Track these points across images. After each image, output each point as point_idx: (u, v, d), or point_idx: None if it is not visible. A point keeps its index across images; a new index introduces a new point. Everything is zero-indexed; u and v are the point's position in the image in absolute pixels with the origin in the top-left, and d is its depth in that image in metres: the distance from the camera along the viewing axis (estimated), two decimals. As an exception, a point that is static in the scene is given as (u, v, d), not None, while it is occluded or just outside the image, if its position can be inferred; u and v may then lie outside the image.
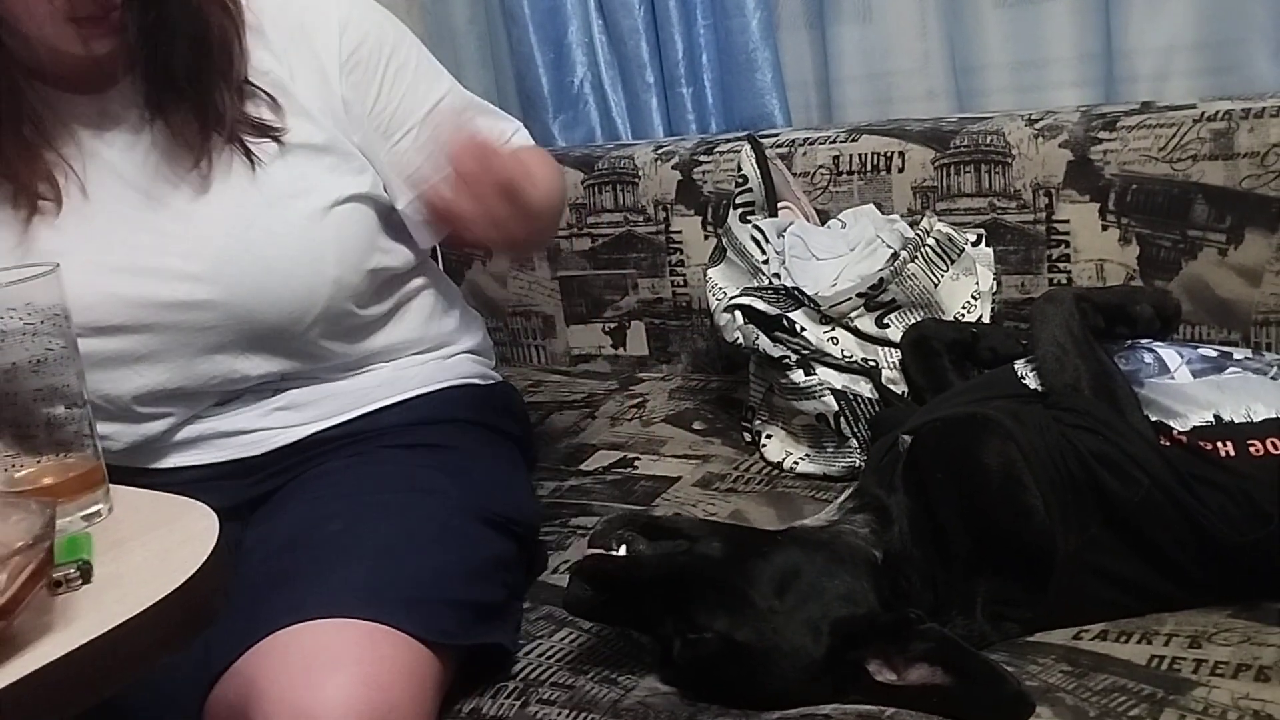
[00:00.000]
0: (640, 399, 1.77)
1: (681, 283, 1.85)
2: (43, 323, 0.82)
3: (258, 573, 1.04)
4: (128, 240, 1.11)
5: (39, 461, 0.85)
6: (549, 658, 1.12)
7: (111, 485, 0.89)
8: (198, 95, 1.10)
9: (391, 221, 1.24)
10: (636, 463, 1.54)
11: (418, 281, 1.30)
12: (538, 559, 1.30)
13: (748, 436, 1.56)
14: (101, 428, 0.97)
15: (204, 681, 0.97)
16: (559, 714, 1.04)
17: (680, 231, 1.84)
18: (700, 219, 1.82)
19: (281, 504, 1.15)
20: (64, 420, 0.85)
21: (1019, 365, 1.21)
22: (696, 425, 1.65)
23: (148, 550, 0.81)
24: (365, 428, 1.21)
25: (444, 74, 1.29)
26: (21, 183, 1.09)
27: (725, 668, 1.00)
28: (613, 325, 1.94)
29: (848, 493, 1.18)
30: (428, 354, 1.30)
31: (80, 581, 0.75)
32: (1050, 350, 1.16)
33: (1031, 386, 1.17)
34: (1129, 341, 1.20)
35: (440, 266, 1.92)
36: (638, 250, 1.88)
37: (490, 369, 1.40)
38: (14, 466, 0.84)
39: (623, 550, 1.03)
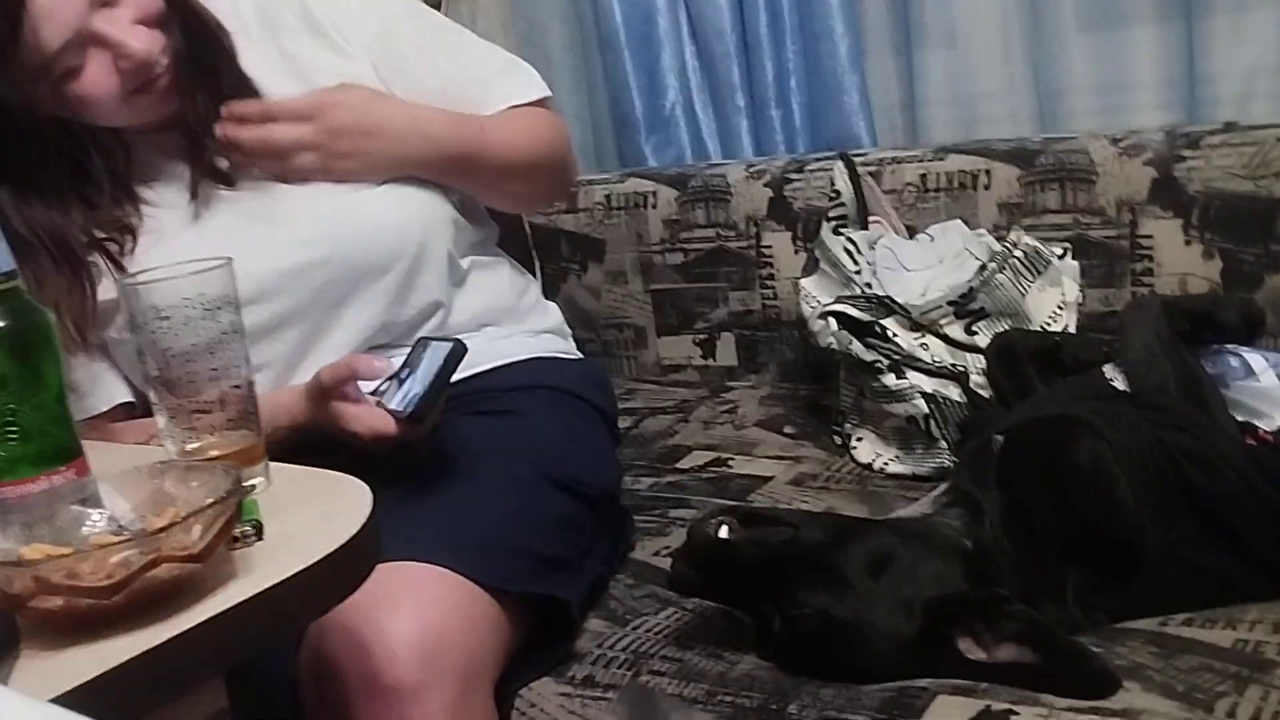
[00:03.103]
0: (731, 405, 1.84)
1: (771, 295, 1.92)
2: (218, 309, 0.91)
3: None
4: (244, 231, 1.25)
5: (209, 436, 0.93)
6: (656, 633, 1.19)
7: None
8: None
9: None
10: (730, 462, 1.61)
11: (500, 260, 1.47)
12: (625, 529, 1.39)
13: (838, 439, 1.62)
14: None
15: None
16: (669, 683, 1.11)
17: (770, 246, 1.91)
18: (790, 234, 1.89)
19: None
20: (233, 399, 0.93)
21: (1107, 369, 1.26)
22: (787, 429, 1.72)
23: (310, 515, 0.89)
24: (465, 392, 1.29)
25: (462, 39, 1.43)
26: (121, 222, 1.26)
27: (823, 643, 1.06)
28: (703, 337, 2.01)
29: (941, 488, 1.24)
30: (513, 328, 1.42)
31: (255, 538, 0.83)
32: (1139, 354, 1.21)
33: (1120, 388, 1.23)
34: (1215, 346, 1.24)
35: (539, 277, 2.02)
36: (729, 264, 1.95)
37: (572, 347, 1.51)
38: (187, 440, 0.93)
39: (724, 533, 1.10)
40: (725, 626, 1.19)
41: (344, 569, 0.82)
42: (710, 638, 1.18)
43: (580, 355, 1.51)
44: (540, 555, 1.18)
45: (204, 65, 1.23)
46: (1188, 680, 0.98)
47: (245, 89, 1.27)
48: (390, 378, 1.14)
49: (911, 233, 1.73)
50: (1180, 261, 1.58)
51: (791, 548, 1.09)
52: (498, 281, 1.44)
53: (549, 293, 2.08)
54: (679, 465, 1.64)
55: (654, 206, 2.01)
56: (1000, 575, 1.11)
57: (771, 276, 1.92)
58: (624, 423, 1.80)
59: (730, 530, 1.10)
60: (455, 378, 1.26)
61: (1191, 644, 1.04)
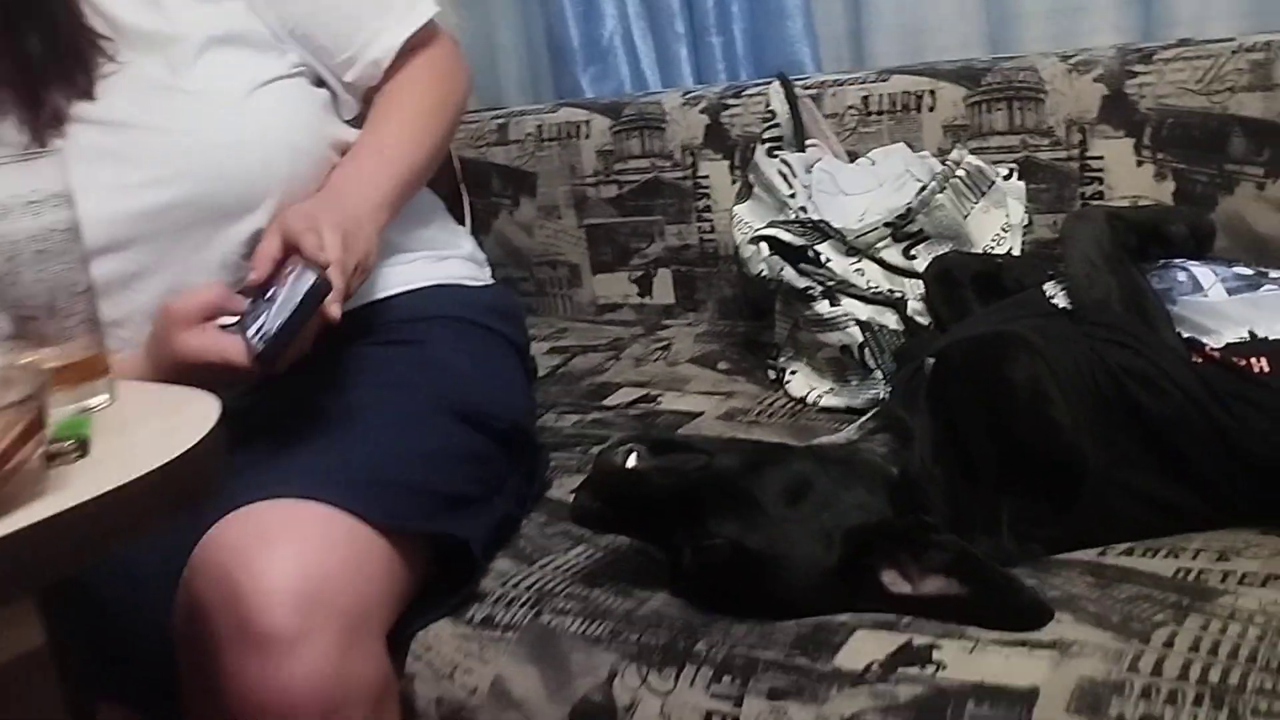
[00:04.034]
0: (666, 342, 1.76)
1: (709, 228, 1.83)
2: (43, 203, 0.82)
3: None
4: (90, 171, 1.08)
5: (41, 349, 0.84)
6: (563, 571, 1.11)
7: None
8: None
9: (346, 105, 1.26)
10: (660, 399, 1.53)
11: None
12: (540, 466, 1.31)
13: (772, 374, 1.54)
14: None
15: (175, 569, 0.99)
16: (572, 622, 1.03)
17: (708, 176, 1.82)
18: (728, 163, 1.80)
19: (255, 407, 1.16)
20: (67, 306, 0.84)
21: (1048, 286, 1.18)
22: (721, 365, 1.63)
23: (148, 431, 0.80)
24: (349, 325, 1.17)
25: None
26: None
27: (736, 576, 0.98)
28: (639, 273, 1.92)
29: (870, 414, 1.16)
30: (415, 253, 1.30)
31: (76, 455, 0.74)
32: (1081, 267, 1.13)
33: (1060, 306, 1.15)
34: (1162, 260, 1.17)
35: (468, 213, 1.92)
36: (665, 196, 1.86)
37: (482, 271, 1.40)
38: (14, 352, 0.83)
39: (632, 461, 1.01)
40: (639, 563, 1.10)
41: (172, 487, 0.73)
42: (621, 575, 1.09)
43: (490, 282, 1.41)
44: (440, 492, 1.10)
45: (33, 11, 1.10)
46: (1124, 610, 0.91)
47: (84, 31, 1.13)
48: (254, 299, 1.04)
49: (853, 158, 1.64)
50: (1131, 183, 1.51)
51: (703, 475, 1.01)
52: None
53: (479, 229, 2.00)
54: (605, 403, 1.55)
55: (587, 137, 1.91)
56: (929, 503, 1.03)
57: (709, 209, 1.83)
58: (553, 361, 1.73)
59: (639, 458, 1.02)
60: (351, 305, 1.16)
61: (1130, 573, 0.97)
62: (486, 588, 1.11)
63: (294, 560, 0.95)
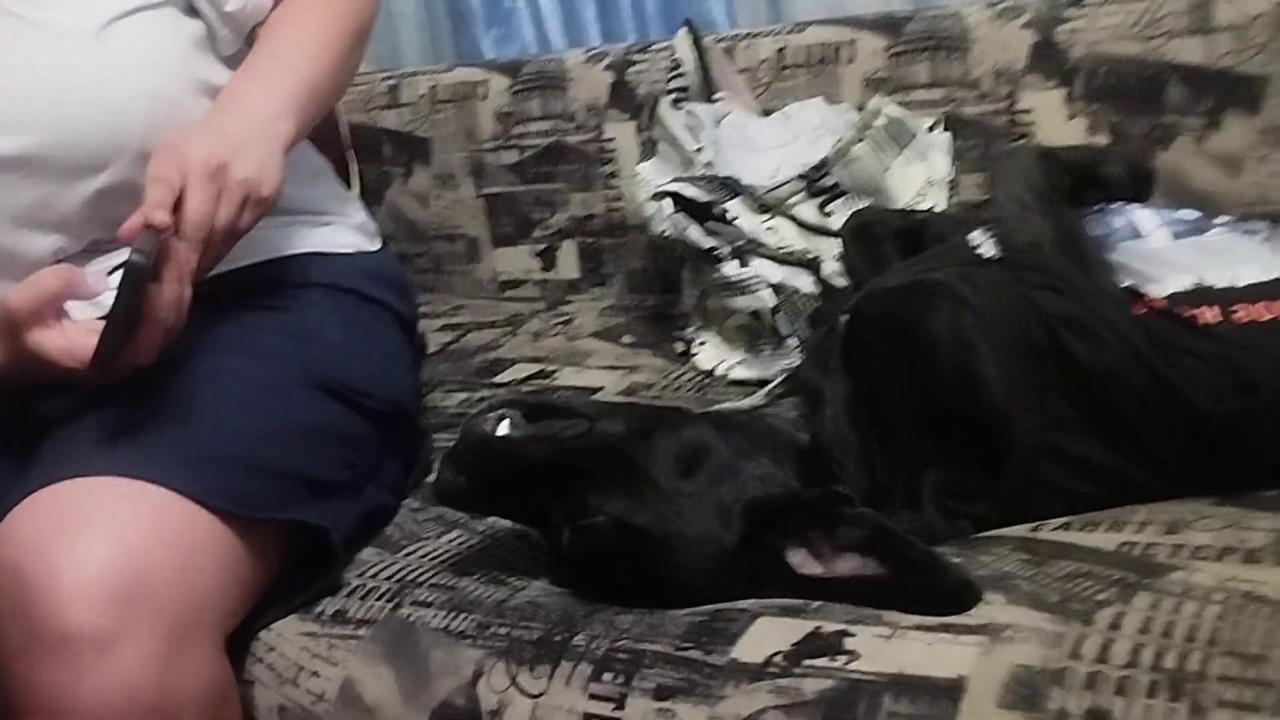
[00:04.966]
0: (568, 317, 1.63)
1: (615, 196, 1.70)
2: None
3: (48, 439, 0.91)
4: None
5: None
6: (432, 559, 0.98)
7: None
8: None
9: (224, 41, 1.10)
10: (556, 374, 1.40)
11: None
12: (422, 451, 1.17)
13: (680, 346, 1.41)
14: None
15: None
16: (434, 615, 0.90)
17: (613, 140, 1.69)
18: (635, 124, 1.67)
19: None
20: None
21: (974, 234, 1.06)
22: (626, 339, 1.51)
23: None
24: (217, 290, 1.03)
25: None
26: None
27: (621, 558, 0.85)
28: (542, 246, 1.78)
29: (779, 379, 1.04)
30: (295, 216, 1.14)
31: None
32: (1010, 207, 1.02)
33: (987, 255, 1.03)
34: (1098, 205, 1.06)
35: (358, 183, 1.78)
36: (568, 162, 1.73)
37: (371, 242, 1.25)
38: None
39: (503, 429, 0.88)
40: (517, 549, 0.98)
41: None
42: (496, 562, 0.97)
43: (375, 250, 1.26)
44: (299, 475, 0.96)
45: None
46: (1062, 589, 0.79)
47: None
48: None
49: (767, 115, 1.52)
50: (1063, 137, 1.39)
51: (584, 443, 0.88)
52: None
53: (370, 200, 1.85)
54: (497, 380, 1.42)
55: (484, 98, 1.77)
56: (842, 474, 0.91)
57: (615, 174, 1.70)
58: (444, 338, 1.60)
59: (510, 425, 0.88)
60: (220, 270, 1.01)
61: (1068, 549, 0.85)
62: (344, 579, 0.97)
63: (105, 550, 0.81)
